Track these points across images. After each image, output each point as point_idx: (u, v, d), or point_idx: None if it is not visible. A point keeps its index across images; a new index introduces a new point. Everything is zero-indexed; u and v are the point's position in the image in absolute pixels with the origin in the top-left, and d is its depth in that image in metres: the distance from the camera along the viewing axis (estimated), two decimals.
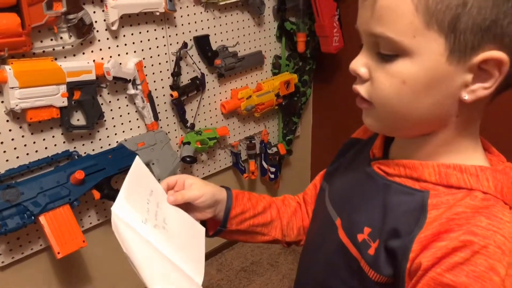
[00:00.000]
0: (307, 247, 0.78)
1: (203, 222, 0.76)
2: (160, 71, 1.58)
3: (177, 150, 1.70)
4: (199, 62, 1.68)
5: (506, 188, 0.53)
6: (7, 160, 1.29)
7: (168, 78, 1.60)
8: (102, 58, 1.40)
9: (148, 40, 1.51)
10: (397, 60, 0.51)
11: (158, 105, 1.58)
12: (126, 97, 1.50)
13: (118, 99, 1.48)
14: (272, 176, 2.08)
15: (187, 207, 0.73)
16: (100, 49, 1.39)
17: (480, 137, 0.60)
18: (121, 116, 1.51)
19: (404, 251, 0.52)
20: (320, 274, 0.68)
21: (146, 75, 1.51)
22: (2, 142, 1.27)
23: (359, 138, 0.74)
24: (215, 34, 1.69)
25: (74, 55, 1.34)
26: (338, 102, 2.10)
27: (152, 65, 1.55)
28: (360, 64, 0.55)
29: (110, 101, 1.46)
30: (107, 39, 1.40)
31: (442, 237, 0.49)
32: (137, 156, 0.71)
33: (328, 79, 2.12)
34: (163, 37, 1.55)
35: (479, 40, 0.48)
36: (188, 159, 1.66)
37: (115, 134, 1.51)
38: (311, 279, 0.72)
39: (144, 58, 1.51)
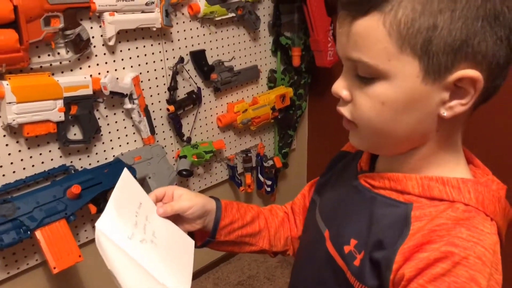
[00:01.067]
0: (298, 258, 0.79)
1: (190, 233, 0.76)
2: (157, 86, 1.59)
3: (174, 164, 1.70)
4: (196, 76, 1.69)
5: (487, 200, 0.54)
6: (3, 175, 1.29)
7: (165, 92, 1.61)
8: (99, 73, 1.41)
9: (145, 55, 1.52)
10: (375, 82, 0.53)
11: (154, 119, 1.59)
12: (122, 112, 1.51)
13: (114, 114, 1.49)
14: (269, 189, 2.08)
15: (176, 218, 0.73)
16: (97, 64, 1.40)
17: (465, 150, 0.62)
18: (117, 130, 1.51)
19: (388, 262, 0.53)
20: (310, 285, 0.69)
21: (142, 89, 1.53)
22: None
23: (348, 151, 0.76)
24: (211, 49, 1.71)
25: (71, 70, 1.35)
26: (333, 115, 2.10)
27: (149, 79, 1.56)
28: (341, 86, 0.57)
29: (107, 116, 1.47)
30: (104, 54, 1.41)
31: (424, 248, 0.50)
32: (125, 169, 0.71)
33: (323, 93, 2.14)
34: (160, 52, 1.56)
35: (452, 60, 0.49)
36: (184, 172, 1.66)
37: (112, 148, 1.51)
38: None
39: (140, 73, 1.52)
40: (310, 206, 0.79)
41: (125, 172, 0.69)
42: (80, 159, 1.45)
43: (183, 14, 1.59)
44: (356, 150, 0.73)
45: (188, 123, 1.72)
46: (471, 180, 0.56)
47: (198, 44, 1.67)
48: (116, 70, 1.45)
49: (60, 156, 1.40)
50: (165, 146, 1.65)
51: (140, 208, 0.68)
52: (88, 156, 1.46)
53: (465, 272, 0.48)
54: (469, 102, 0.51)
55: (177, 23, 1.58)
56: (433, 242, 0.50)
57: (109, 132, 1.49)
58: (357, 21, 0.51)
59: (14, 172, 1.31)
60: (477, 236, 0.50)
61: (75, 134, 1.41)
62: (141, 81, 1.52)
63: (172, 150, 1.70)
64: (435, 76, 0.50)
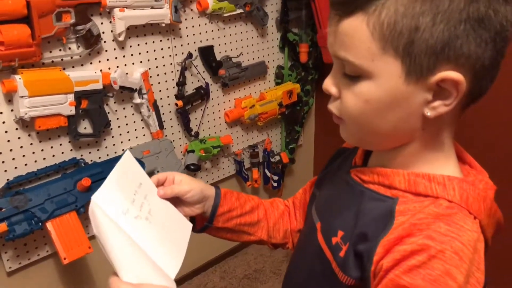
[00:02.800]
0: (295, 250, 0.81)
1: (192, 218, 0.79)
2: (166, 81, 1.61)
3: (182, 158, 1.72)
4: (204, 72, 1.71)
5: (471, 198, 0.54)
6: (15, 167, 1.32)
7: (173, 87, 1.63)
8: (109, 68, 1.43)
9: (154, 50, 1.54)
10: (360, 81, 0.54)
11: (163, 114, 1.61)
12: (132, 106, 1.53)
13: (124, 108, 1.52)
14: (275, 184, 2.10)
15: (177, 202, 0.75)
16: (107, 59, 1.43)
17: (462, 151, 0.63)
18: (127, 124, 1.54)
19: (369, 254, 0.54)
20: (301, 276, 0.71)
21: (151, 84, 1.55)
22: (11, 150, 1.30)
23: (347, 147, 0.77)
24: (219, 44, 1.73)
25: (82, 65, 1.37)
26: None
27: (158, 74, 1.58)
28: (330, 83, 0.59)
29: (116, 110, 1.49)
30: (114, 49, 1.44)
31: (403, 241, 0.51)
32: (127, 150, 0.72)
33: None
34: (169, 47, 1.58)
35: (434, 61, 0.50)
36: (192, 167, 1.68)
37: (121, 142, 1.54)
38: (294, 281, 0.74)
39: (150, 68, 1.54)
40: (310, 199, 0.81)
41: (127, 153, 0.71)
42: (90, 152, 1.47)
43: (191, 10, 1.60)
44: (354, 146, 0.74)
45: (196, 118, 1.74)
46: (458, 178, 0.56)
47: (207, 40, 1.68)
48: (125, 65, 1.47)
49: (71, 150, 1.43)
50: (173, 140, 1.68)
51: (140, 188, 0.69)
52: (98, 150, 1.49)
53: (440, 265, 0.48)
54: (452, 103, 0.52)
55: (185, 19, 1.59)
56: (413, 236, 0.51)
57: (119, 126, 1.52)
58: (343, 21, 0.53)
59: (26, 164, 1.34)
60: (456, 232, 0.50)
61: (85, 128, 1.43)
62: (150, 76, 1.55)
63: (180, 145, 1.73)
64: (417, 76, 0.51)
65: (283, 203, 0.90)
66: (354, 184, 0.64)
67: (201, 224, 0.80)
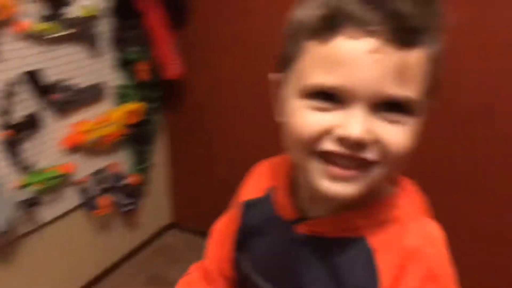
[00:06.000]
0: None
1: None
2: None
3: (14, 195, 1.55)
4: (33, 98, 1.57)
5: (419, 203, 0.56)
6: None
7: None
8: None
9: None
10: (408, 117, 0.47)
11: None
12: None
13: None
14: (128, 208, 2.02)
15: None
16: None
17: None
18: None
19: None
20: None
21: None
22: None
23: (255, 198, 0.67)
24: (49, 68, 1.60)
25: None
26: (193, 125, 2.14)
27: None
28: (365, 131, 0.46)
29: None
30: None
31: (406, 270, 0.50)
32: None
33: (179, 104, 2.14)
34: None
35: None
36: (28, 203, 1.53)
37: None
38: None
39: None
40: (241, 267, 0.68)
41: None
42: None
43: (10, 33, 1.46)
44: (265, 193, 0.65)
45: (28, 149, 1.59)
46: (403, 193, 0.57)
47: (34, 63, 1.55)
48: None
49: None
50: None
51: None
52: None
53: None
54: None
55: (4, 43, 1.45)
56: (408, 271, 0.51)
57: None
58: (408, 52, 0.45)
59: None
60: (442, 253, 0.53)
61: None
62: None
63: (11, 181, 1.55)
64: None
65: (199, 277, 0.75)
66: (311, 240, 0.57)
67: None
